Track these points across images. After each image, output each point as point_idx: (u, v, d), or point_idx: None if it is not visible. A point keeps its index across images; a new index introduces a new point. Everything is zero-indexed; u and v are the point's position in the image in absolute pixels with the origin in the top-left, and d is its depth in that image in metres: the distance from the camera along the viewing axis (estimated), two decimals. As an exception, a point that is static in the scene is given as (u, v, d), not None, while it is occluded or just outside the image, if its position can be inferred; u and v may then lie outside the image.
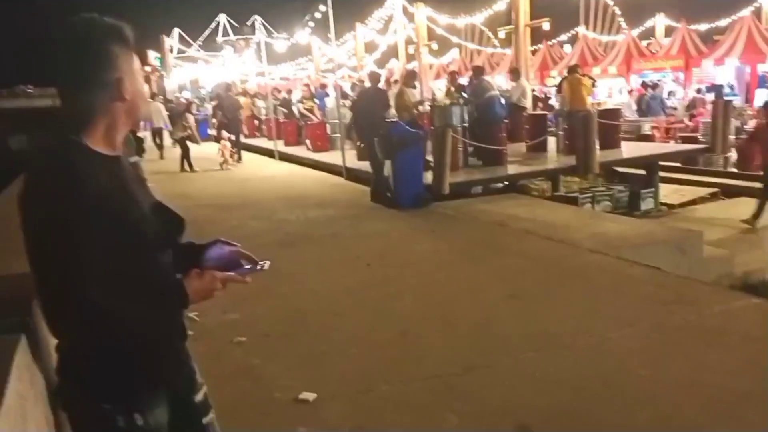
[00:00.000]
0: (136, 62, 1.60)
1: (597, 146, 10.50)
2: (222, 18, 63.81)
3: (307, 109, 17.25)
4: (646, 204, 10.77)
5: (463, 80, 15.46)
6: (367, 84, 11.57)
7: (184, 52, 49.48)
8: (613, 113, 12.85)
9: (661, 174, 11.61)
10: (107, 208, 1.44)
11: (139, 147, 7.58)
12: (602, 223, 7.86)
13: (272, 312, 5.06)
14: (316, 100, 17.98)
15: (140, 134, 7.74)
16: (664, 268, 5.68)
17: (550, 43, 24.69)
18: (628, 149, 12.35)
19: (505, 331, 4.47)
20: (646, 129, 16.38)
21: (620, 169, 11.87)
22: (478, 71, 12.59)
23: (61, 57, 1.50)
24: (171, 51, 47.97)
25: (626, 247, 6.42)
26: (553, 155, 12.24)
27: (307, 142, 16.48)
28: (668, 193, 11.65)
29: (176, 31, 52.11)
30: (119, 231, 1.46)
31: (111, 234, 1.44)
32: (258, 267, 1.67)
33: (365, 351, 4.27)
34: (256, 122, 23.17)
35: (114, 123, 1.55)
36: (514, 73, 14.14)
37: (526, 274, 5.80)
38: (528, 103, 13.92)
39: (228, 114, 16.60)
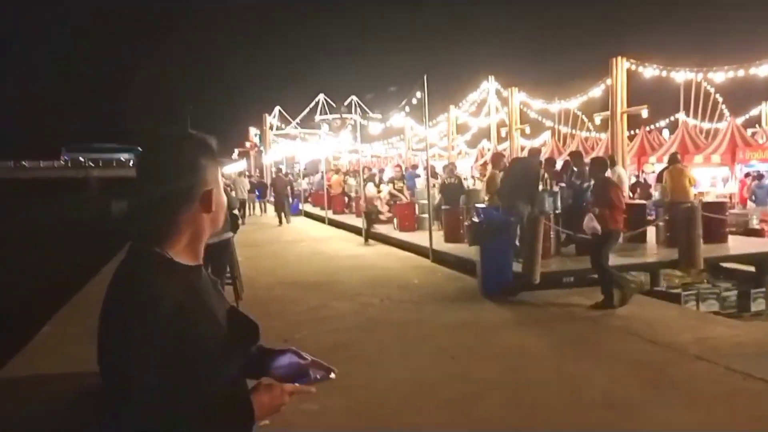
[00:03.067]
0: (220, 173, 1.60)
1: (701, 240, 9.89)
2: (321, 97, 66.89)
3: (397, 190, 17.36)
4: (757, 305, 9.93)
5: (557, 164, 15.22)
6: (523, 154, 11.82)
7: (282, 128, 51.82)
8: (719, 206, 12.17)
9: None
10: (179, 327, 1.39)
11: (234, 224, 7.73)
12: (709, 326, 7.23)
13: (350, 404, 4.85)
14: (406, 181, 18.11)
15: (235, 211, 7.95)
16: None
17: (648, 128, 24.14)
18: (735, 244, 11.60)
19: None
20: (754, 222, 15.40)
21: (727, 265, 11.10)
22: (579, 156, 12.27)
23: (150, 169, 1.52)
24: (271, 128, 50.33)
25: (737, 356, 5.84)
26: (653, 247, 11.67)
27: (395, 221, 16.52)
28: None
29: (277, 109, 54.88)
30: (187, 349, 1.40)
31: (178, 354, 1.38)
32: (327, 377, 1.63)
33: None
34: (346, 199, 23.61)
35: (199, 234, 1.55)
36: (610, 161, 13.73)
37: (623, 380, 5.37)
38: (625, 191, 13.45)
39: (277, 190, 22.73)
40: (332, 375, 1.62)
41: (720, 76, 17.20)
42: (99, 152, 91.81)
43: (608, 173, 13.47)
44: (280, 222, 21.94)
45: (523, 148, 24.18)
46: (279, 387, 1.52)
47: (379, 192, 17.75)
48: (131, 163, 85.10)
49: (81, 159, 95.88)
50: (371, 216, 16.39)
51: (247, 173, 29.73)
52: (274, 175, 27.47)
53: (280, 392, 1.52)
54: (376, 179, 19.30)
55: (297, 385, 1.56)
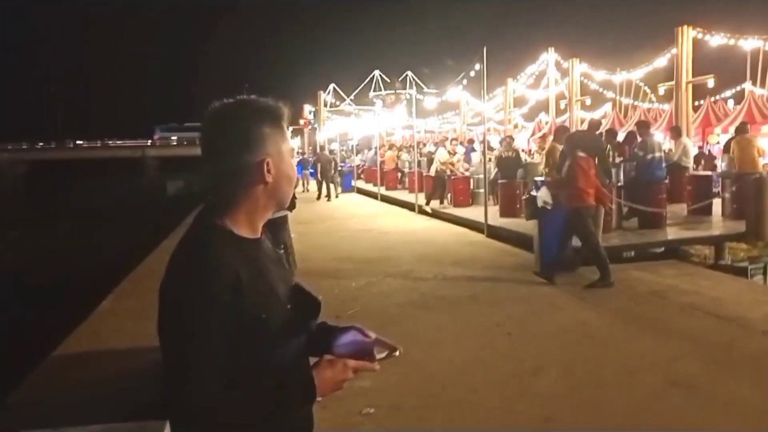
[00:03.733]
0: (287, 143, 1.53)
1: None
2: (376, 73, 66.71)
3: (449, 163, 17.07)
4: (831, 280, 9.42)
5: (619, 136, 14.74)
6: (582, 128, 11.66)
7: (337, 105, 51.94)
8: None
9: None
10: (239, 299, 1.37)
11: (291, 201, 7.66)
12: (780, 301, 6.86)
13: (404, 381, 4.73)
14: (460, 155, 17.81)
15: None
16: None
17: (713, 99, 23.18)
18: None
19: (668, 426, 3.91)
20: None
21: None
22: (645, 126, 11.82)
23: (209, 138, 1.50)
24: (325, 105, 50.49)
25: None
26: (719, 220, 11.23)
27: (449, 196, 16.33)
28: None
29: (331, 86, 55.01)
30: (245, 322, 1.39)
31: (236, 326, 1.37)
32: (392, 355, 1.58)
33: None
34: (399, 174, 23.47)
35: (255, 206, 1.51)
36: (675, 131, 13.24)
37: (690, 357, 5.14)
38: (690, 162, 12.95)
39: (323, 166, 22.60)
40: (397, 353, 1.57)
41: None
42: (189, 131, 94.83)
43: (670, 144, 13.08)
44: (319, 196, 22.42)
45: (582, 121, 23.54)
46: (342, 362, 1.48)
47: (452, 155, 17.50)
48: (185, 142, 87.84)
49: (173, 138, 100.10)
50: (442, 180, 16.50)
51: (300, 151, 29.79)
52: (318, 152, 27.49)
53: (342, 367, 1.47)
54: (447, 144, 19.04)
55: (362, 362, 1.51)
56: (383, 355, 1.56)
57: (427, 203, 16.54)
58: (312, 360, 1.52)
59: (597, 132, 11.40)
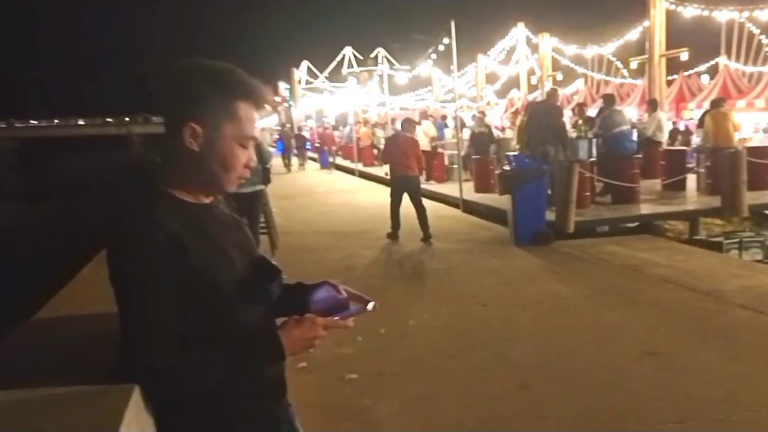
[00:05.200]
0: (235, 121, 1.39)
1: (745, 186, 9.54)
2: (348, 51, 66.06)
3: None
4: (804, 253, 9.61)
5: (591, 112, 14.82)
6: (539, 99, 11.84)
7: (311, 83, 51.47)
8: (765, 151, 11.70)
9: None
10: (182, 258, 1.33)
11: (266, 176, 7.68)
12: (754, 274, 6.94)
13: (385, 349, 4.83)
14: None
15: (268, 165, 8.05)
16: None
17: (687, 73, 23.31)
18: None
19: (639, 394, 3.96)
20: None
21: (772, 213, 10.73)
22: (610, 100, 11.89)
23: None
24: (299, 82, 50.00)
25: (783, 304, 5.63)
26: (693, 195, 11.35)
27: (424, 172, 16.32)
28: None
29: (305, 63, 54.39)
30: (195, 282, 1.35)
31: (184, 285, 1.33)
32: (365, 309, 1.53)
33: (481, 402, 3.94)
34: (375, 151, 23.42)
35: (185, 174, 1.41)
36: (651, 105, 13.30)
37: (663, 328, 5.20)
38: (664, 137, 13.05)
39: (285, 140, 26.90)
40: (370, 306, 1.52)
41: (766, 14, 16.42)
42: None
43: (647, 117, 13.18)
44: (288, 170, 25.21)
45: (558, 99, 23.61)
46: (309, 320, 1.41)
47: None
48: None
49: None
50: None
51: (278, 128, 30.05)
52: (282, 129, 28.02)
53: (310, 325, 1.41)
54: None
55: (331, 318, 1.45)
56: (357, 308, 1.52)
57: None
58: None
59: (555, 102, 11.43)
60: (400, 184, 9.32)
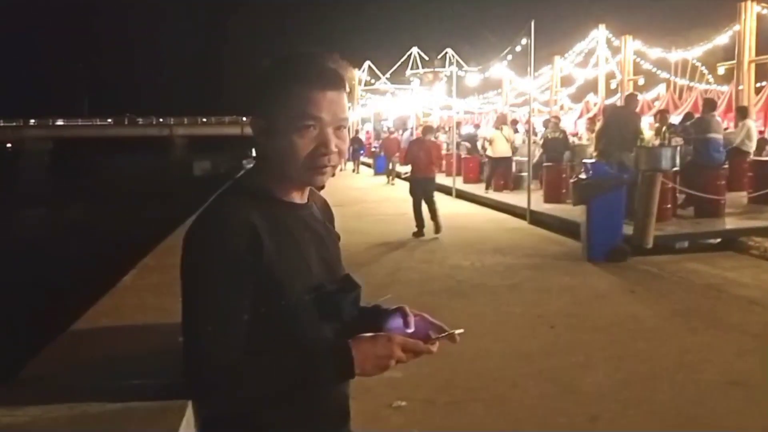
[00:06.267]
0: (290, 107, 1.36)
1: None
2: (414, 51, 66.29)
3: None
4: None
5: (674, 119, 14.40)
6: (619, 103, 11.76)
7: (371, 84, 51.82)
8: None
9: None
10: (258, 258, 1.31)
11: None
12: None
13: (439, 373, 4.64)
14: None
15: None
16: None
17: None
18: None
19: (727, 427, 3.81)
20: None
21: None
22: (710, 105, 11.50)
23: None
24: (360, 83, 50.43)
25: None
26: (783, 210, 10.84)
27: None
28: None
29: (366, 63, 54.88)
30: (269, 285, 1.33)
31: (258, 287, 1.32)
32: (451, 335, 1.42)
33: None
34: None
35: (264, 168, 1.44)
36: (741, 112, 12.82)
37: (751, 355, 5.01)
38: (753, 147, 12.54)
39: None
40: (457, 335, 1.41)
41: None
42: None
43: (735, 126, 12.70)
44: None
45: (638, 104, 23.02)
46: (385, 337, 1.34)
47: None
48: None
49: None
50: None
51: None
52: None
53: (385, 342, 1.33)
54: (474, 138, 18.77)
55: (411, 340, 1.36)
56: (440, 336, 1.42)
57: (487, 188, 15.88)
58: None
59: (634, 108, 11.24)
60: (422, 185, 10.60)
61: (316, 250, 1.44)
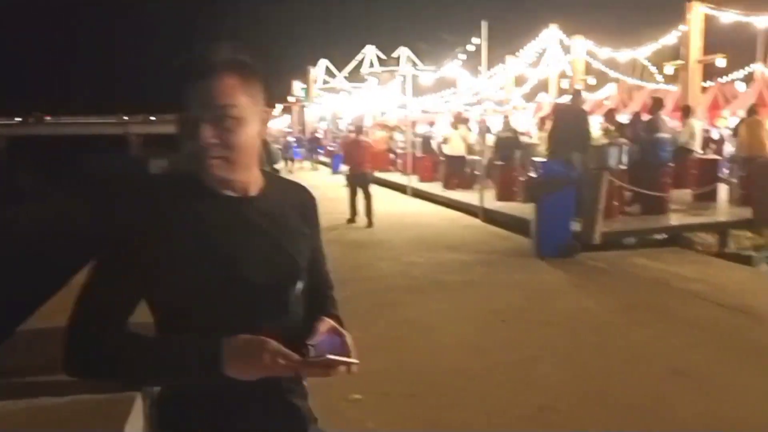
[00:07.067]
0: (195, 99, 1.35)
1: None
2: (369, 49, 66.13)
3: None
4: (841, 269, 9.42)
5: (622, 117, 14.69)
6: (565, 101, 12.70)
7: (328, 82, 51.55)
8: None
9: None
10: (143, 243, 1.32)
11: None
12: (787, 290, 6.90)
13: (394, 367, 4.71)
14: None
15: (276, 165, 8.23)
16: None
17: (722, 80, 23.09)
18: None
19: (671, 416, 3.91)
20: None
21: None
22: (658, 104, 11.74)
23: None
24: (315, 82, 50.11)
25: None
26: (725, 206, 11.21)
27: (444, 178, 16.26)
28: None
29: (323, 62, 54.53)
30: (163, 272, 1.33)
31: (150, 271, 1.33)
32: (344, 362, 1.36)
33: (498, 425, 3.85)
34: (392, 156, 23.37)
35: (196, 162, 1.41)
36: (685, 111, 13.15)
37: (695, 346, 5.16)
38: (697, 145, 12.89)
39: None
40: (352, 366, 1.37)
41: None
42: None
43: (680, 125, 13.05)
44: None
45: (584, 102, 23.42)
46: (259, 340, 1.27)
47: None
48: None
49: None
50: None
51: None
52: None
53: (257, 345, 1.26)
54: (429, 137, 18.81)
55: (291, 353, 1.27)
56: (332, 358, 1.33)
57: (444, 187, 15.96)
58: None
59: (581, 105, 11.45)
60: (359, 179, 11.82)
61: (249, 244, 1.39)
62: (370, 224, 11.49)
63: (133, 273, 1.32)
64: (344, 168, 13.74)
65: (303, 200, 1.59)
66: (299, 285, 1.47)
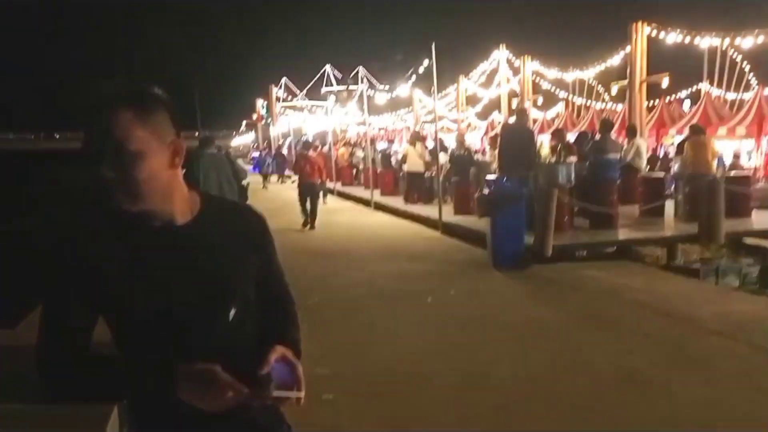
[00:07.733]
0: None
1: (722, 214, 9.76)
2: (327, 68, 66.31)
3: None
4: (780, 281, 9.82)
5: (570, 137, 15.03)
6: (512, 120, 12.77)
7: (289, 100, 51.53)
8: (744, 179, 11.99)
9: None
10: (76, 268, 1.37)
11: (242, 194, 7.79)
12: (730, 301, 7.15)
13: (362, 369, 4.93)
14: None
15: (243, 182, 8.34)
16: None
17: (668, 99, 23.60)
18: (760, 219, 11.42)
19: (615, 418, 4.06)
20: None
21: (749, 241, 10.96)
22: (607, 125, 12.05)
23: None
24: (278, 100, 50.08)
25: (759, 331, 5.76)
26: (671, 221, 11.55)
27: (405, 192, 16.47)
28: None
29: (283, 80, 54.55)
30: (94, 297, 1.38)
31: (78, 293, 1.37)
32: (291, 394, 1.41)
33: (455, 423, 4.02)
34: (354, 171, 23.57)
35: None
36: (631, 131, 13.55)
37: (640, 353, 5.31)
38: (643, 163, 13.29)
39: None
40: (297, 396, 1.41)
41: (748, 42, 16.42)
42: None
43: (627, 143, 13.46)
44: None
45: (535, 121, 23.86)
46: (210, 370, 1.29)
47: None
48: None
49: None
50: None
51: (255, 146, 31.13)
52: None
53: (210, 374, 1.29)
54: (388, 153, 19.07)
55: (230, 380, 1.30)
56: (283, 393, 1.37)
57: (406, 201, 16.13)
58: None
59: (526, 123, 11.46)
60: (308, 189, 13.28)
61: (170, 274, 1.39)
62: (312, 226, 13.13)
63: (74, 300, 1.36)
64: (294, 177, 15.49)
65: (246, 223, 1.54)
66: (232, 311, 1.44)
